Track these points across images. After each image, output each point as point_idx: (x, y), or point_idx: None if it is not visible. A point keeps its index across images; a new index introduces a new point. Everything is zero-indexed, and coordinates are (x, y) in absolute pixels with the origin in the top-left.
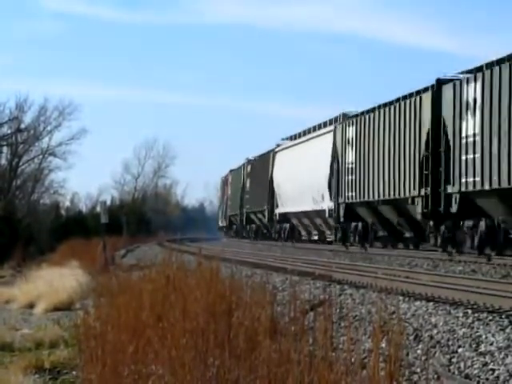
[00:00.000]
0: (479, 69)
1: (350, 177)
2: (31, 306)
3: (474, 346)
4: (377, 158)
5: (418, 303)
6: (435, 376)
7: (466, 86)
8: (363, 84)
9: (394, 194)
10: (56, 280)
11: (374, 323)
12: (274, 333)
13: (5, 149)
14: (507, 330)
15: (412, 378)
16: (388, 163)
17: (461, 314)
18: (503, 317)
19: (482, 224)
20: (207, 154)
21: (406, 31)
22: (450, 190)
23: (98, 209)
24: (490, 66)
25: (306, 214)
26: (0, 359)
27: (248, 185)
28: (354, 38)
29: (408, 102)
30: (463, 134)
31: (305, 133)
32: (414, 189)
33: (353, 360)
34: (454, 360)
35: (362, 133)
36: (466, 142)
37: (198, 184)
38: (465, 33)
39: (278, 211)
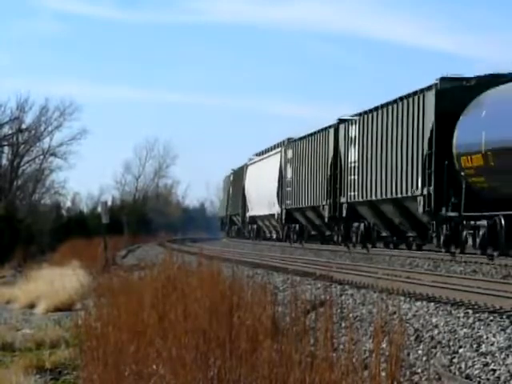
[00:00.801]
0: (359, 114)
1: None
2: (32, 306)
3: (474, 346)
4: (310, 174)
5: (418, 303)
6: (436, 376)
7: (350, 126)
8: (363, 84)
9: (312, 202)
10: (57, 280)
11: (374, 323)
12: (275, 333)
13: (6, 149)
14: (508, 331)
15: (413, 378)
16: (312, 181)
17: (462, 315)
18: (504, 317)
19: (362, 226)
20: (208, 154)
21: (407, 31)
22: (341, 200)
23: (99, 209)
24: (364, 113)
25: (265, 216)
26: (1, 359)
27: (231, 191)
28: (354, 37)
29: (319, 135)
30: (349, 161)
31: (263, 152)
32: (323, 199)
33: (354, 360)
34: (455, 360)
35: (297, 156)
36: (350, 167)
37: (198, 184)
38: (465, 33)
39: (248, 214)
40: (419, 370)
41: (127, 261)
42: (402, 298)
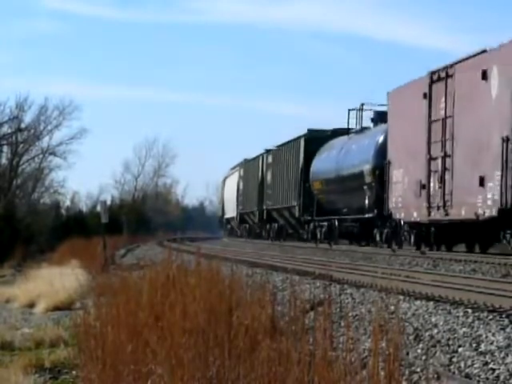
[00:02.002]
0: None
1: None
2: (31, 305)
3: (474, 345)
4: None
5: (418, 303)
6: (435, 376)
7: (269, 155)
8: (363, 84)
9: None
10: (56, 279)
11: (373, 322)
12: (274, 332)
13: (5, 148)
14: (507, 330)
15: (412, 377)
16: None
17: (461, 314)
18: (503, 316)
19: (275, 225)
20: (207, 154)
21: (407, 31)
22: (263, 207)
23: (99, 208)
24: (275, 148)
25: (232, 218)
26: (0, 358)
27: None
28: (354, 37)
29: (252, 162)
30: (266, 180)
31: (234, 167)
32: (255, 206)
33: (353, 360)
34: (455, 359)
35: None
36: (268, 185)
37: (198, 183)
38: (465, 33)
39: (225, 216)
40: (418, 369)
41: (126, 260)
42: (401, 297)
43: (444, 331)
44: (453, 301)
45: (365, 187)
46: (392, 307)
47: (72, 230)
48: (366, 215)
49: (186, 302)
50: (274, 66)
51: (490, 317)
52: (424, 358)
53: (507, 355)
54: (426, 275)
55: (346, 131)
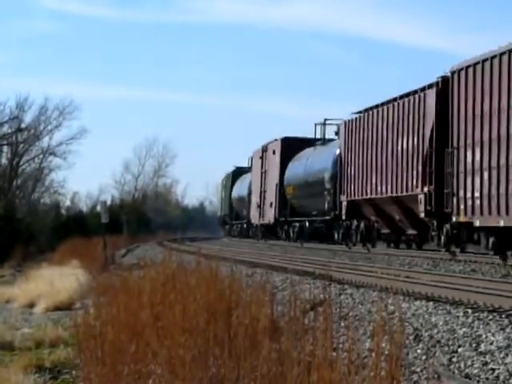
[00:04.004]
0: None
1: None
2: (31, 305)
3: (474, 345)
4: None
5: (418, 303)
6: (435, 375)
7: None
8: (363, 84)
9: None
10: (56, 279)
11: (374, 322)
12: (273, 332)
13: (5, 148)
14: (507, 330)
15: (412, 377)
16: None
17: (461, 314)
18: (503, 316)
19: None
20: (207, 154)
21: (406, 31)
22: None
23: (99, 208)
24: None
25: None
26: (0, 358)
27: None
28: (354, 37)
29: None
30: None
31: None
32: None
33: (353, 359)
34: (454, 359)
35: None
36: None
37: (198, 183)
38: (464, 33)
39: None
40: (418, 369)
41: (126, 260)
42: (401, 298)
43: (444, 331)
44: (453, 301)
45: (325, 192)
46: (392, 307)
47: (72, 230)
48: (326, 217)
49: (186, 302)
50: (274, 66)
51: (490, 317)
52: (424, 358)
53: (507, 355)
54: (426, 275)
55: (316, 140)
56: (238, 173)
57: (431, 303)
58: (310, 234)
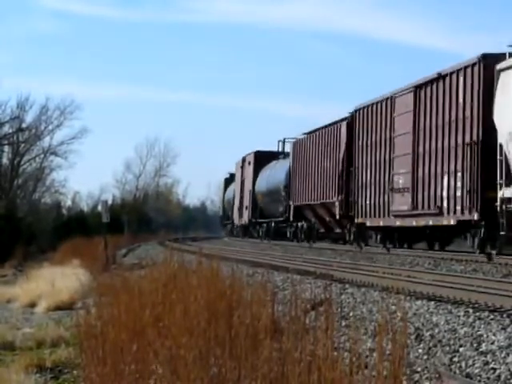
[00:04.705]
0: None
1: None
2: (33, 305)
3: (475, 345)
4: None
5: (419, 302)
6: (436, 375)
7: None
8: (363, 83)
9: None
10: (57, 279)
11: (376, 322)
12: (274, 332)
13: (6, 148)
14: (508, 329)
15: (413, 377)
16: None
17: (462, 313)
18: (504, 316)
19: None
20: (209, 153)
21: (406, 31)
22: None
23: (100, 208)
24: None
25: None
26: (1, 358)
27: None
28: (354, 37)
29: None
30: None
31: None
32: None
33: (354, 359)
34: (456, 359)
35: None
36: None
37: (199, 183)
38: (465, 33)
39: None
40: (419, 369)
41: (127, 260)
42: (403, 297)
43: (445, 331)
44: (454, 300)
45: (282, 199)
46: (393, 307)
47: (73, 229)
48: (280, 219)
49: (187, 302)
50: (274, 66)
51: (491, 316)
52: (425, 357)
53: (508, 355)
54: (427, 275)
55: (280, 154)
56: (230, 179)
57: (432, 303)
58: (274, 232)
